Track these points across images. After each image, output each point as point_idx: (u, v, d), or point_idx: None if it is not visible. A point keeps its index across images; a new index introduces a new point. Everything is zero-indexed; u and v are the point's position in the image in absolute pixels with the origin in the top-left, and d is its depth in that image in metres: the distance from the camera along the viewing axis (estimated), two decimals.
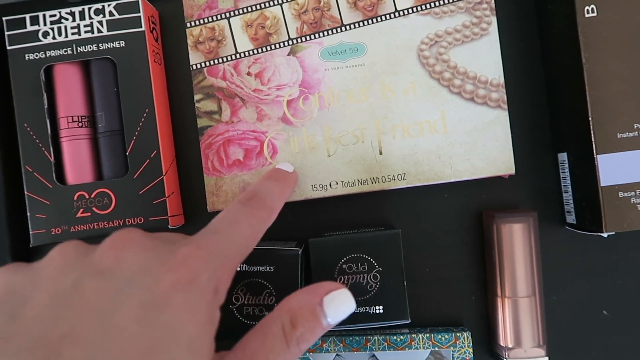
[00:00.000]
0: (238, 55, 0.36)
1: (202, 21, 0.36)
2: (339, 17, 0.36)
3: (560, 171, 0.36)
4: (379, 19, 0.36)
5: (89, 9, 0.35)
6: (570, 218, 0.36)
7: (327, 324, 0.24)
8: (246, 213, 0.26)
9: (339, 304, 0.25)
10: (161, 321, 0.19)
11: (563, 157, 0.36)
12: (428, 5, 0.35)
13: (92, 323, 0.18)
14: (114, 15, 0.35)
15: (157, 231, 0.36)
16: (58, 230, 0.34)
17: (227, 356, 0.22)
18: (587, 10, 0.32)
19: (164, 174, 0.35)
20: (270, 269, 0.33)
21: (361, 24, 0.36)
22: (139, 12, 0.35)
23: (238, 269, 0.33)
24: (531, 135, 0.37)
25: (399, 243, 0.33)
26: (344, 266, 0.33)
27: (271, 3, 0.36)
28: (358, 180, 0.35)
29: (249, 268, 0.33)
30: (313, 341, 0.24)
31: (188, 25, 0.36)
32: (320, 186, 0.35)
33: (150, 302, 0.19)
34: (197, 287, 0.21)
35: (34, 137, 0.35)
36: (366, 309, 0.33)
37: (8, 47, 0.35)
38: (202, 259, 0.22)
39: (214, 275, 0.22)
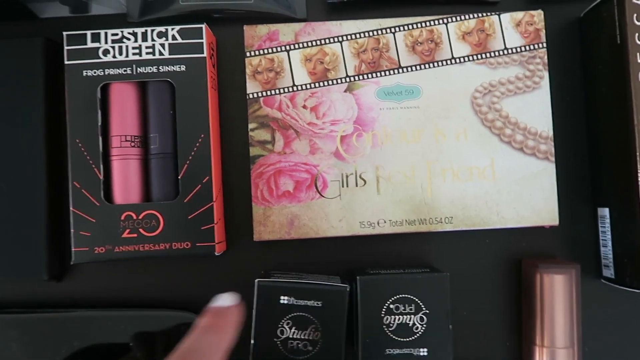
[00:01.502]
0: (295, 88, 0.36)
1: (262, 52, 0.36)
2: (396, 59, 0.37)
3: (600, 225, 0.37)
4: (435, 64, 0.37)
5: (152, 31, 0.35)
6: (608, 272, 0.36)
7: None
8: None
9: None
10: None
11: (604, 212, 0.37)
12: (483, 55, 0.36)
13: None
14: (176, 39, 0.35)
15: (203, 257, 0.36)
16: (102, 250, 0.34)
17: None
18: None
19: (214, 200, 0.35)
20: (317, 304, 0.33)
21: (418, 67, 0.36)
22: (202, 39, 0.35)
23: (285, 301, 0.33)
24: (571, 188, 0.38)
25: (446, 286, 0.33)
26: (391, 306, 0.33)
27: (331, 40, 0.37)
28: (406, 220, 0.36)
29: (296, 302, 0.33)
30: None
31: (247, 54, 0.37)
32: (368, 223, 0.36)
33: None
34: None
35: (85, 153, 0.35)
36: (410, 350, 0.33)
37: (66, 62, 0.35)
38: None
39: None
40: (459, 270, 0.38)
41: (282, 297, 0.33)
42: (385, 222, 0.36)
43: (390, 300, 0.33)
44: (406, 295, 0.33)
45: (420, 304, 0.33)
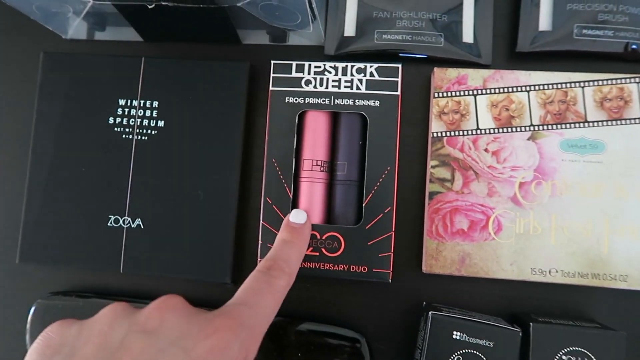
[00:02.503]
0: (479, 131, 0.38)
1: (449, 94, 0.38)
2: (583, 113, 0.37)
3: None
4: (623, 121, 0.37)
5: (352, 67, 0.38)
6: None
7: None
8: (268, 283, 0.29)
9: None
10: None
11: None
12: None
13: None
14: (373, 76, 0.38)
15: (376, 283, 0.38)
16: None
17: None
18: None
19: (393, 230, 0.37)
20: (489, 344, 0.34)
21: (605, 123, 0.37)
22: (397, 78, 0.37)
23: (457, 336, 0.34)
24: None
25: (623, 346, 0.33)
26: (564, 357, 0.33)
27: (519, 89, 0.38)
28: (579, 272, 0.36)
29: (469, 339, 0.34)
30: None
31: (435, 95, 0.38)
32: (540, 271, 0.36)
33: None
34: (229, 355, 0.23)
35: (279, 172, 0.38)
36: None
37: (271, 88, 0.38)
38: (233, 330, 0.24)
39: (243, 345, 0.24)
40: (625, 329, 0.37)
41: (455, 333, 0.34)
42: (557, 271, 0.36)
43: (564, 352, 0.34)
44: (580, 349, 0.33)
45: (594, 359, 0.33)
